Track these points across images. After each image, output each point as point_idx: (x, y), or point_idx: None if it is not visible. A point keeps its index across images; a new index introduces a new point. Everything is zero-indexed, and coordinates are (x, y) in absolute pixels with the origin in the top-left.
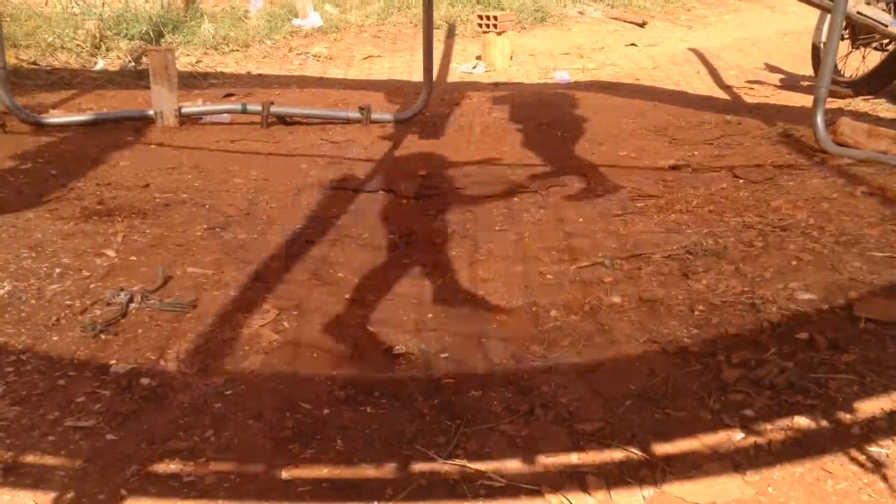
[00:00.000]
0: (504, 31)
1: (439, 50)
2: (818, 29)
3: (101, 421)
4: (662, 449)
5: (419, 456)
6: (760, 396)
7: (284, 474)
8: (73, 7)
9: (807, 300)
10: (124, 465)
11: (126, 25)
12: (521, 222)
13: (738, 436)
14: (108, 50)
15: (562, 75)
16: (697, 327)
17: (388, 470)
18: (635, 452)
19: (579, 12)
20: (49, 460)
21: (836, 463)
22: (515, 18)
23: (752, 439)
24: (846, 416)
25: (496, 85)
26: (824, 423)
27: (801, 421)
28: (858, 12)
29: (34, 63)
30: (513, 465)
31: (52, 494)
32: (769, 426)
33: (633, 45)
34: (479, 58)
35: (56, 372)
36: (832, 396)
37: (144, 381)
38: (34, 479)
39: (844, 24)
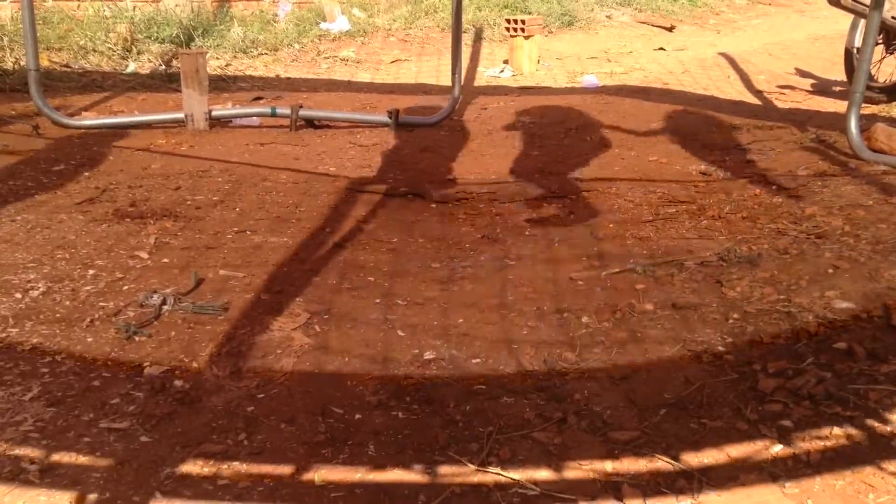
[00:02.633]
0: (531, 36)
1: (466, 54)
2: (851, 34)
3: (135, 423)
4: (699, 459)
5: (452, 462)
6: (798, 407)
7: (317, 479)
8: (104, 10)
9: (844, 309)
10: (158, 467)
11: (157, 29)
12: (551, 227)
13: (776, 447)
14: (139, 53)
15: (590, 80)
16: (732, 335)
17: (421, 476)
18: (671, 462)
19: (607, 16)
20: (84, 461)
21: (877, 476)
22: (543, 22)
23: (790, 450)
24: (886, 428)
25: (523, 89)
26: (864, 434)
27: (841, 432)
28: (893, 17)
29: (66, 66)
30: (546, 473)
31: (88, 495)
32: (808, 437)
33: (661, 49)
34: (506, 62)
35: (91, 373)
36: (872, 407)
37: (178, 383)
38: (70, 479)
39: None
